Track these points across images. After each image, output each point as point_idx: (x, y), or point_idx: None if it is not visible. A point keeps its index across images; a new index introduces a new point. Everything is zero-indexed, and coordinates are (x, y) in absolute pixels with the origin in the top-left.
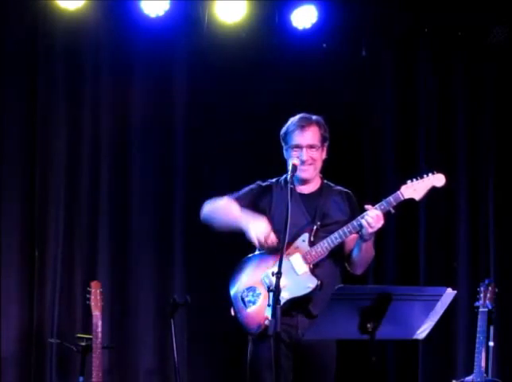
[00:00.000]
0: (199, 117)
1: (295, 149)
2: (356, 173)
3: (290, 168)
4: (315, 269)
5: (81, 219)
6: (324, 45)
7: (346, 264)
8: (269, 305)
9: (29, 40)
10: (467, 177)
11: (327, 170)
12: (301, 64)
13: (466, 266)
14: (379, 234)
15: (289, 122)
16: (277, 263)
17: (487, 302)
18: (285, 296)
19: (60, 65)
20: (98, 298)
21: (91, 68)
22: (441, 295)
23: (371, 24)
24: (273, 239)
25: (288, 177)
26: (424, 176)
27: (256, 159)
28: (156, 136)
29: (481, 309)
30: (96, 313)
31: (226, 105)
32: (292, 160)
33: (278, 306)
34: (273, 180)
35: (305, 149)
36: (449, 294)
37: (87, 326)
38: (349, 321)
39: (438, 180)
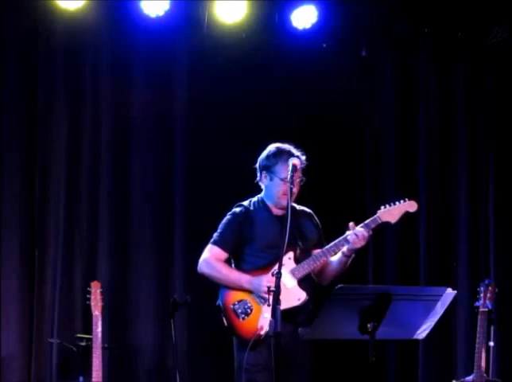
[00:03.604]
0: (200, 117)
1: (285, 180)
2: (356, 173)
3: (290, 168)
4: (300, 283)
5: (81, 219)
6: (324, 45)
7: (313, 276)
8: (269, 305)
9: (29, 40)
10: (467, 177)
11: (327, 170)
12: (301, 64)
13: (466, 266)
14: (379, 234)
15: (279, 154)
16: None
17: (487, 302)
18: None
19: (60, 65)
20: (98, 298)
21: (91, 68)
22: (441, 295)
23: (371, 24)
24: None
25: (289, 177)
26: (397, 203)
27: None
28: (156, 136)
29: (481, 309)
30: (96, 313)
31: (226, 105)
32: (293, 160)
33: (278, 306)
34: (246, 203)
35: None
36: (449, 294)
37: (87, 326)
38: (349, 321)
39: (411, 206)
